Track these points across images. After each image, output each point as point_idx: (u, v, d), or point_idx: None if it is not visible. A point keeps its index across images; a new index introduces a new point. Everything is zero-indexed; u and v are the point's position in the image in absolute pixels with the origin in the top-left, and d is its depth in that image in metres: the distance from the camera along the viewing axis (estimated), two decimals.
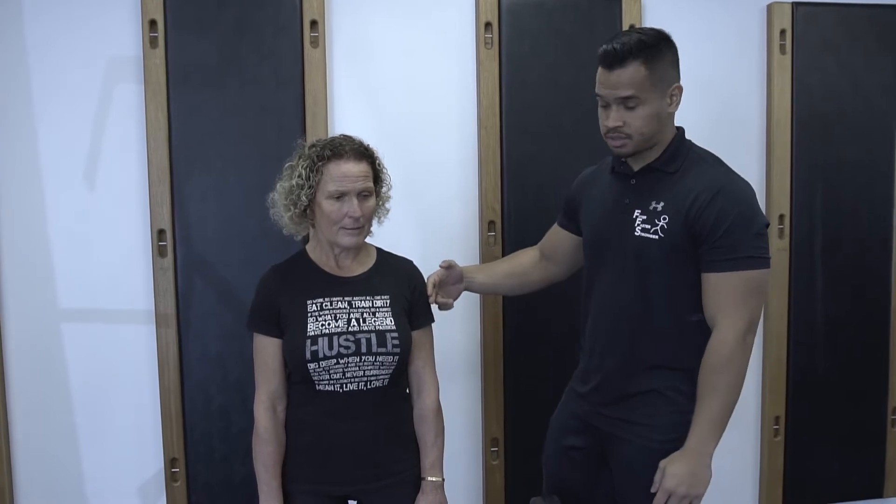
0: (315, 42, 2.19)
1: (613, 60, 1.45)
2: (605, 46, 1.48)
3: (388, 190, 1.60)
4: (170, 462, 2.21)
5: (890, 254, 2.53)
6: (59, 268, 2.18)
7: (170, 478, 2.22)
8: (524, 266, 1.86)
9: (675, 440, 1.50)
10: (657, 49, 1.46)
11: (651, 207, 1.50)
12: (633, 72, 1.44)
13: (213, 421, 2.21)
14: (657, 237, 1.48)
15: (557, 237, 1.83)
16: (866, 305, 2.54)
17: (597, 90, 1.51)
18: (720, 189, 1.45)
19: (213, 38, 2.14)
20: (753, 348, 2.62)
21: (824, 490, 2.58)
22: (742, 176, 1.54)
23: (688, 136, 2.42)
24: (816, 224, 2.48)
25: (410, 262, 1.67)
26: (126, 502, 2.25)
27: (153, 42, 2.12)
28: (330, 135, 2.16)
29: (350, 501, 1.63)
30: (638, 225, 1.50)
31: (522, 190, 2.29)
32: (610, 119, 1.49)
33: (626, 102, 1.46)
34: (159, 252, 2.16)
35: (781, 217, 2.46)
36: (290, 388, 1.57)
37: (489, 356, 2.33)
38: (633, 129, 1.48)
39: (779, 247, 2.47)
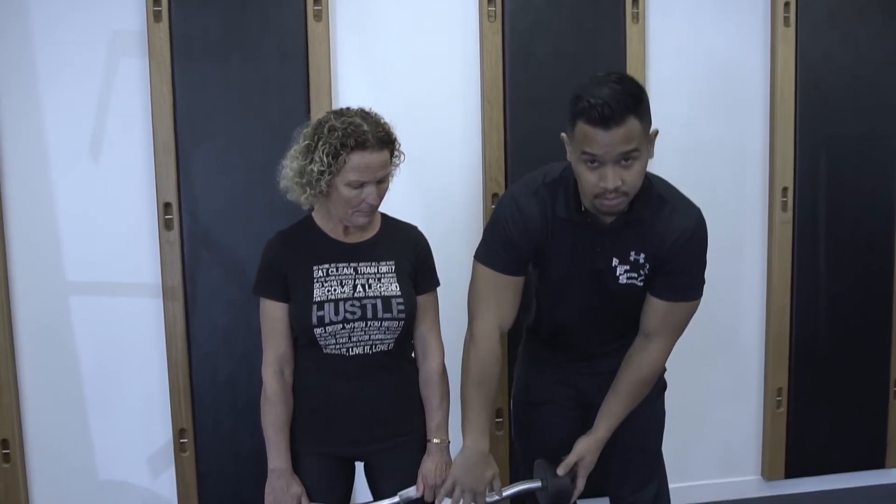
0: (318, 15, 2.19)
1: (609, 121, 1.35)
2: (592, 103, 1.35)
3: (399, 165, 1.58)
4: (178, 433, 2.24)
5: (893, 226, 2.54)
6: (66, 242, 2.19)
7: (178, 448, 2.25)
8: (496, 372, 1.61)
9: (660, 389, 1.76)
10: (642, 98, 1.41)
11: (632, 259, 1.55)
12: (631, 127, 1.37)
13: (221, 393, 2.24)
14: (642, 284, 1.58)
15: (512, 291, 1.60)
16: (869, 277, 2.55)
17: (590, 150, 1.39)
18: (690, 236, 1.54)
19: (216, 12, 2.15)
20: (756, 320, 2.65)
21: (826, 461, 2.60)
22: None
23: (692, 110, 2.43)
24: (820, 196, 2.49)
25: (415, 228, 1.68)
26: (135, 472, 2.29)
27: (157, 16, 2.13)
28: (333, 107, 2.17)
29: (357, 462, 1.66)
30: (621, 274, 1.56)
31: (526, 162, 2.29)
32: (609, 180, 1.40)
33: (626, 156, 1.39)
34: (165, 225, 2.18)
35: (785, 190, 2.47)
36: (296, 352, 1.59)
37: None
38: (629, 185, 1.42)
39: (782, 219, 2.47)
